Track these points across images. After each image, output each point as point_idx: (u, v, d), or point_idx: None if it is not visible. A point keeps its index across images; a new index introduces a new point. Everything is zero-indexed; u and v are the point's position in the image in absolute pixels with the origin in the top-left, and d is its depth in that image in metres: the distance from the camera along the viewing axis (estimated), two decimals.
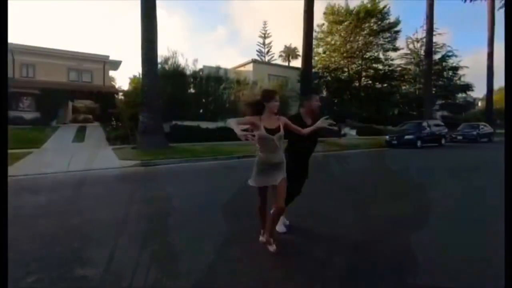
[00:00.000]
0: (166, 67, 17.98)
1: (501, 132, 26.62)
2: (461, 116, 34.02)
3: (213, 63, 20.79)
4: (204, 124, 16.66)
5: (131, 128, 13.52)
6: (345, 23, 30.73)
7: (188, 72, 18.79)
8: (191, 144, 13.48)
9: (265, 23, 55.67)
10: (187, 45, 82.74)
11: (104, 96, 21.56)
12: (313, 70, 28.19)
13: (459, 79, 32.86)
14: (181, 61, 19.90)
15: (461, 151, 13.69)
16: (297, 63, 39.88)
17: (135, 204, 4.43)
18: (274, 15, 74.65)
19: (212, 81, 19.01)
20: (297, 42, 47.81)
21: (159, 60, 17.72)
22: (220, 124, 17.62)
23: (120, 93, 23.03)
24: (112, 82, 30.65)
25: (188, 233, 3.26)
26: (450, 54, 31.94)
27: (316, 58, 32.27)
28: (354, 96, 30.61)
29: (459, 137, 19.66)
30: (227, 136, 16.17)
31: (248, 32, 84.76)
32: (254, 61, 29.26)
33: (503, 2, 34.94)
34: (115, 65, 27.42)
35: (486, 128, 21.21)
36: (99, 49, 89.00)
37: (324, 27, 32.07)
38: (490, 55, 29.75)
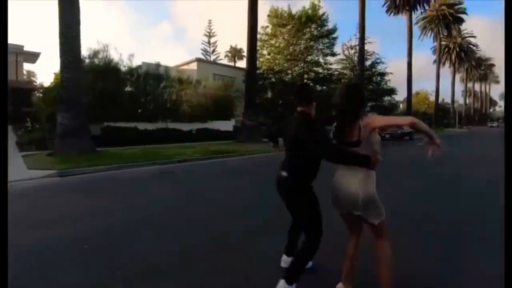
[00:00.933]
0: (96, 61, 16.02)
1: None
2: None
3: (154, 60, 19.18)
4: (142, 125, 15.27)
5: (49, 130, 11.58)
6: (288, 27, 31.78)
7: (123, 68, 17.06)
8: (126, 148, 12.14)
9: (210, 21, 54.54)
10: (126, 40, 76.50)
11: (17, 93, 18.31)
12: (258, 71, 28.51)
13: (386, 83, 36.80)
14: (115, 56, 17.98)
15: (390, 148, 15.06)
16: (242, 63, 39.87)
17: (27, 229, 3.51)
18: (219, 14, 73.86)
19: (151, 78, 17.60)
20: (243, 43, 47.89)
21: (87, 53, 15.70)
22: (160, 125, 16.41)
23: (40, 90, 19.89)
24: (32, 77, 26.42)
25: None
26: (378, 61, 35.52)
27: (261, 59, 32.71)
28: None
29: (387, 136, 21.78)
30: (168, 137, 15.11)
31: (193, 30, 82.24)
32: (198, 60, 28.27)
33: (419, 17, 40.36)
34: (32, 57, 23.61)
35: (408, 128, 23.96)
36: (13, 38, 76.40)
37: (268, 30, 32.72)
38: (409, 64, 34.01)
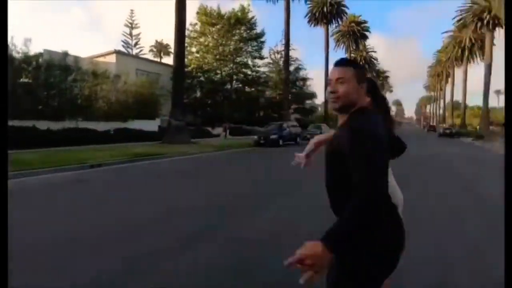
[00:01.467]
0: None
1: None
2: (309, 118, 41.67)
3: (61, 49, 16.33)
4: (43, 124, 12.92)
5: None
6: (218, 26, 31.62)
7: (17, 55, 14.12)
8: (20, 151, 10.04)
9: (132, 11, 49.94)
10: (25, 22, 63.80)
11: None
12: (187, 69, 27.49)
13: (307, 88, 40.26)
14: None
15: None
16: (169, 60, 37.88)
17: None
18: (143, 5, 68.41)
19: (56, 69, 15.05)
20: (169, 39, 45.46)
21: None
22: (68, 124, 14.22)
23: None
24: None
25: None
26: (301, 67, 38.56)
27: (189, 57, 31.67)
28: (226, 98, 31.92)
29: (309, 136, 23.82)
30: (79, 138, 13.22)
31: (112, 20, 74.02)
32: (117, 52, 25.55)
33: (334, 30, 45.36)
34: None
35: (326, 128, 26.72)
36: None
37: (197, 27, 31.95)
38: (327, 72, 37.87)
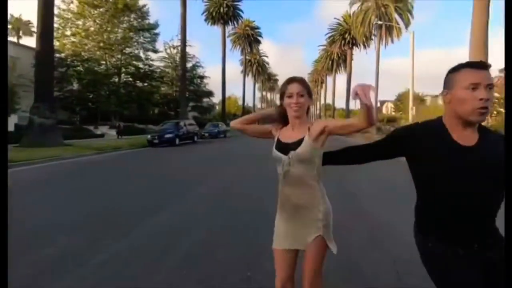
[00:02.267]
0: None
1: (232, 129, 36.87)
2: (206, 116, 41.75)
3: None
4: None
5: None
6: (101, 9, 27.53)
7: None
8: None
9: None
10: None
11: None
12: (58, 55, 22.83)
13: (205, 86, 40.13)
14: None
15: (211, 145, 16.51)
16: (32, 41, 30.57)
17: None
18: None
19: None
20: (32, 15, 36.80)
21: None
22: None
23: None
24: None
25: None
26: (198, 64, 38.04)
27: (63, 41, 26.47)
28: (113, 93, 28.28)
29: (206, 134, 23.81)
30: None
31: None
32: None
33: (231, 32, 46.78)
34: None
35: (223, 127, 27.40)
36: None
37: (73, 7, 26.91)
38: (224, 71, 38.79)
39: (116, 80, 29.78)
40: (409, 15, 26.20)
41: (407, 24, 25.91)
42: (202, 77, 38.62)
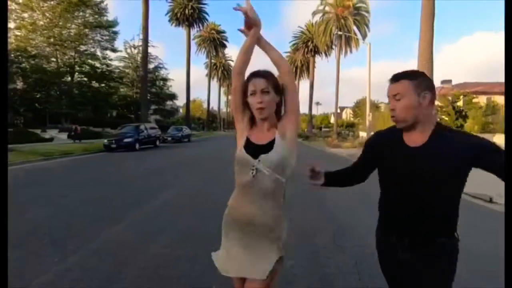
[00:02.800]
0: None
1: (196, 133, 35.98)
2: (169, 120, 40.45)
3: None
4: None
5: None
6: (52, 2, 25.34)
7: None
8: None
9: None
10: None
11: None
12: None
13: (168, 89, 38.90)
14: None
15: (175, 150, 15.87)
16: None
17: None
18: None
19: None
20: None
21: None
22: None
23: None
24: None
25: None
26: (161, 66, 36.82)
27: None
28: (64, 93, 26.07)
29: (169, 138, 22.94)
30: None
31: None
32: None
33: (196, 34, 45.98)
34: None
35: (187, 130, 26.72)
36: None
37: None
38: (188, 73, 37.96)
39: (69, 79, 27.53)
40: (366, 28, 28.10)
41: (364, 36, 27.76)
42: (165, 79, 37.46)
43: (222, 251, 1.25)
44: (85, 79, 29.16)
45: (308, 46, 36.52)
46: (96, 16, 28.38)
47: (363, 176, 1.36)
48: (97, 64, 29.32)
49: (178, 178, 7.34)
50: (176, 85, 56.20)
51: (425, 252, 1.10)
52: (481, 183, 6.00)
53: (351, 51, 29.10)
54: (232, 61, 62.06)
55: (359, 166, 1.35)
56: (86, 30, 27.76)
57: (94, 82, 29.52)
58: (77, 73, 28.48)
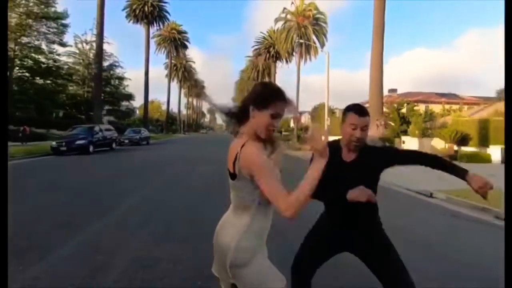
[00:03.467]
0: None
1: (154, 135, 34.26)
2: (124, 121, 38.17)
3: None
4: None
5: None
6: None
7: None
8: None
9: None
10: None
11: None
12: None
13: (124, 88, 36.74)
14: None
15: (133, 153, 15.07)
16: None
17: None
18: None
19: None
20: None
21: None
22: None
23: None
24: None
25: None
26: (117, 64, 34.68)
27: None
28: None
29: (126, 141, 21.73)
30: None
31: None
32: None
33: (155, 33, 44.26)
34: None
35: (145, 133, 25.56)
36: None
37: None
38: (147, 73, 36.38)
39: (7, 74, 24.57)
40: (324, 37, 29.82)
41: (322, 45, 29.41)
42: (121, 78, 35.38)
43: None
44: (27, 74, 26.28)
45: (270, 52, 37.48)
46: (42, 7, 25.80)
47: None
48: (42, 59, 26.63)
49: (142, 182, 7.09)
50: (133, 85, 53.23)
51: (362, 230, 1.55)
52: (423, 181, 6.88)
53: (310, 59, 30.61)
54: (194, 62, 60.96)
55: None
56: (30, 20, 25.08)
57: (38, 78, 26.72)
58: (17, 68, 25.55)
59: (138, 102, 47.01)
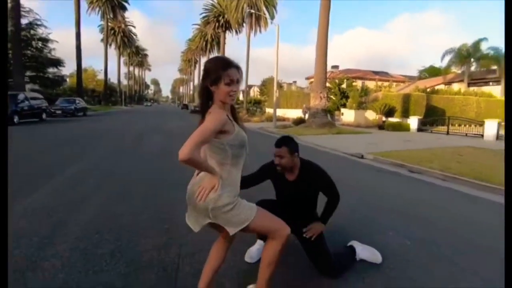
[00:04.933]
0: None
1: (91, 107, 31.07)
2: (52, 91, 33.50)
3: None
4: None
5: None
6: None
7: None
8: None
9: None
10: None
11: None
12: None
13: (50, 52, 31.76)
14: None
15: (69, 124, 13.65)
16: None
17: None
18: None
19: None
20: None
21: None
22: None
23: None
24: None
25: None
26: (39, 23, 29.52)
27: None
28: None
29: (58, 112, 19.45)
30: None
31: None
32: None
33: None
34: None
35: (82, 103, 23.12)
36: None
37: None
38: (78, 35, 32.02)
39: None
40: (274, 9, 29.66)
41: (272, 17, 29.30)
42: (45, 40, 30.38)
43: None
44: None
45: (220, 21, 36.00)
46: None
47: (254, 184, 2.04)
48: None
49: (91, 149, 6.71)
50: (62, 49, 45.71)
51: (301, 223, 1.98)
52: (356, 147, 8.03)
53: (260, 31, 30.38)
54: (134, 27, 55.00)
55: (254, 178, 2.06)
56: None
57: None
58: None
59: (68, 69, 41.43)
